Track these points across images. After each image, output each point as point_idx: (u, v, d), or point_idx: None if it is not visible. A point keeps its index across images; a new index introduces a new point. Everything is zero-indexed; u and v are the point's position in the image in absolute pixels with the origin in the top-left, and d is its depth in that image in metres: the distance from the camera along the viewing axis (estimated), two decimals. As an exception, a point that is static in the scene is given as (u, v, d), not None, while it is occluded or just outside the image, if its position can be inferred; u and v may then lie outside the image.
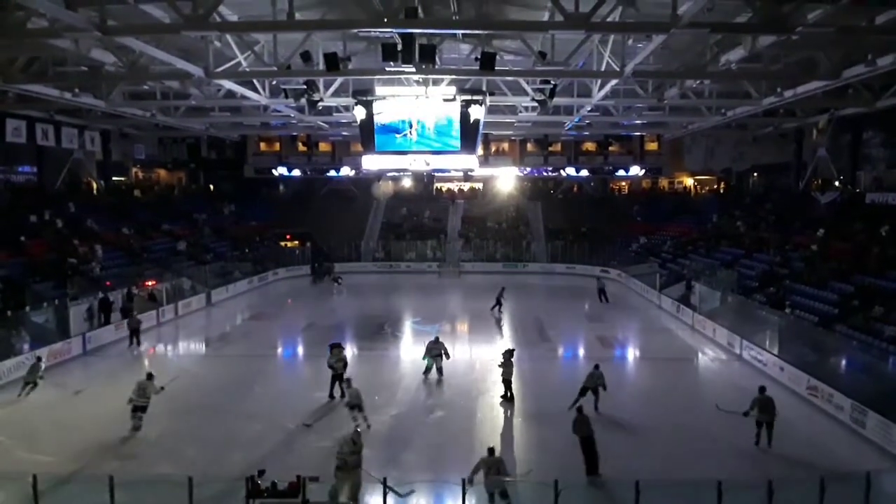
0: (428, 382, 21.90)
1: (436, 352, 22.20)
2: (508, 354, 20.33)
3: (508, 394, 19.90)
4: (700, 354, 26.78)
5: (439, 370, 22.04)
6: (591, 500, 13.63)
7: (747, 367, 23.86)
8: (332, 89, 28.11)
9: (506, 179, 59.74)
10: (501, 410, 19.47)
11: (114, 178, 52.19)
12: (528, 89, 27.49)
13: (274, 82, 28.59)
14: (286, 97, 27.41)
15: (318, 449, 16.49)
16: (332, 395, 20.18)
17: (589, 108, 33.38)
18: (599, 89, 28.00)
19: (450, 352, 22.60)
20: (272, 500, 12.16)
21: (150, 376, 17.90)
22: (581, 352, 27.58)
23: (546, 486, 11.89)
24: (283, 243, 51.25)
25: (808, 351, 21.87)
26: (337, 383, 20.19)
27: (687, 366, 25.34)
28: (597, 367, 19.19)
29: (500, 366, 20.14)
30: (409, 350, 26.68)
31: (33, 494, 11.86)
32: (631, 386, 22.85)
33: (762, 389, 17.04)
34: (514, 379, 20.04)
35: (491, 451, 13.63)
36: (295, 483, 12.09)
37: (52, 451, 16.09)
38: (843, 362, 21.03)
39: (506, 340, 28.03)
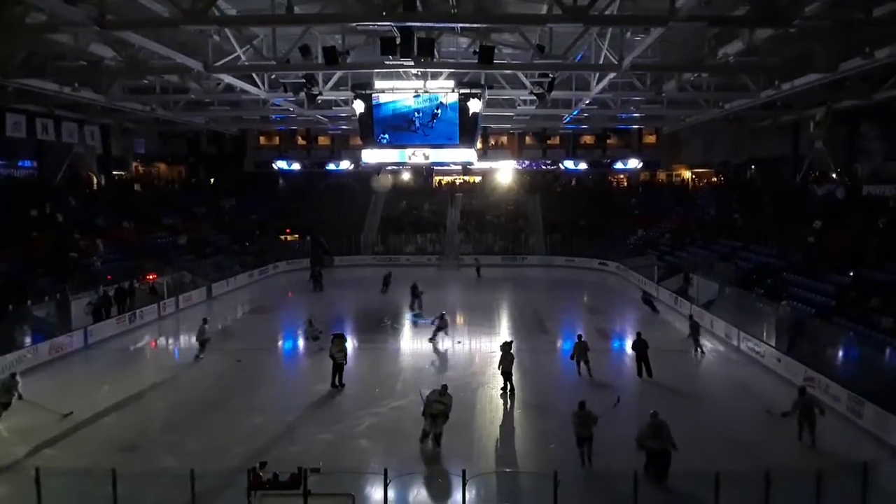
0: (425, 384, 20.29)
1: (439, 407, 15.86)
2: (507, 347, 20.43)
3: (508, 386, 20.01)
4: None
5: (437, 438, 15.84)
6: (589, 492, 13.73)
7: (745, 359, 24.00)
8: (331, 83, 28.16)
9: (504, 173, 59.85)
10: (501, 402, 19.58)
11: (114, 173, 52.23)
12: (527, 83, 27.52)
13: (273, 76, 28.60)
14: (285, 91, 27.46)
15: (320, 440, 16.64)
16: (334, 385, 20.40)
17: (587, 102, 33.44)
18: (598, 82, 28.06)
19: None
20: (274, 491, 12.25)
21: (12, 376, 18.01)
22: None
23: (545, 477, 11.99)
24: (283, 237, 51.34)
25: (806, 342, 21.98)
26: (338, 374, 20.43)
27: (684, 357, 25.44)
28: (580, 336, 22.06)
29: (500, 360, 20.24)
30: (409, 343, 26.81)
31: (36, 488, 11.94)
32: (629, 377, 22.97)
33: (690, 317, 25.21)
34: (513, 370, 20.15)
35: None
36: (296, 475, 12.17)
37: (53, 444, 16.20)
38: (841, 353, 21.13)
39: (504, 332, 28.15)
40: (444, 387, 16.42)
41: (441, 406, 15.82)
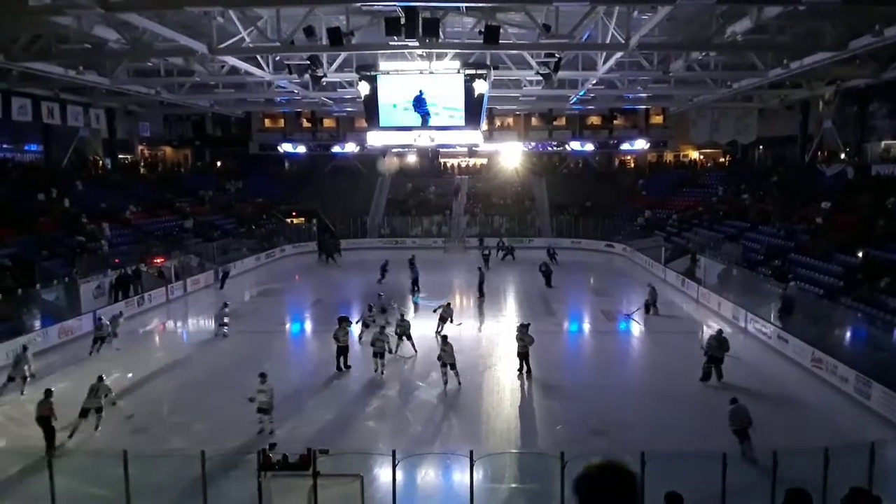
0: (433, 366, 21.79)
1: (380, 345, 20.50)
2: (523, 329, 20.39)
3: (525, 367, 20.03)
4: (705, 328, 26.82)
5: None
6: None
7: (752, 340, 23.99)
8: (335, 65, 27.96)
9: (510, 154, 59.49)
10: (508, 383, 19.66)
11: (119, 156, 52.23)
12: (533, 63, 27.30)
13: (277, 58, 28.45)
14: (290, 73, 27.28)
15: (328, 422, 16.75)
16: (339, 368, 20.52)
17: (594, 82, 33.15)
18: (604, 62, 27.81)
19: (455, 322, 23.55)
20: (284, 472, 12.35)
21: (100, 378, 16.76)
22: (586, 325, 27.70)
23: (553, 458, 12.04)
24: (289, 220, 51.39)
25: (813, 323, 21.93)
26: (343, 356, 20.58)
27: (691, 339, 25.44)
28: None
29: (518, 340, 20.19)
30: (416, 325, 26.85)
31: (48, 468, 12.07)
32: (636, 359, 23.02)
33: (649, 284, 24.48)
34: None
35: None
36: (306, 455, 12.26)
37: (65, 426, 16.32)
38: (848, 334, 21.09)
39: (511, 315, 28.18)
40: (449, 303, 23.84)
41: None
